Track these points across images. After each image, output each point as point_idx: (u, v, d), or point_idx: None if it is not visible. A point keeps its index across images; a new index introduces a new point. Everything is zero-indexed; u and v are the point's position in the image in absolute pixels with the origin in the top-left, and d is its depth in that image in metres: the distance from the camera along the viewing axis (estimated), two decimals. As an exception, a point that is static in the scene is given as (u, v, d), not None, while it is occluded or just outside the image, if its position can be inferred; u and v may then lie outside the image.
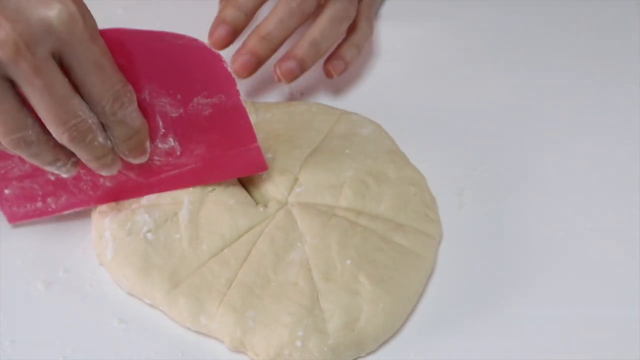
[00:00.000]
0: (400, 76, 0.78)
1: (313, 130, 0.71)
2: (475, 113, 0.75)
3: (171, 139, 0.62)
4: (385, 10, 0.84)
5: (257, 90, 0.77)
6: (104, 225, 0.65)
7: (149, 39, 0.58)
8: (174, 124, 0.61)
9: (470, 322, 0.63)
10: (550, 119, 0.75)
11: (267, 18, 0.72)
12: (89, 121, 0.56)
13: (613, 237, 0.67)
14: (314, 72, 0.76)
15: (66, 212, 0.67)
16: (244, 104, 0.61)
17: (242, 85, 0.72)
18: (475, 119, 0.75)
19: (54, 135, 0.56)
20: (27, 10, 0.53)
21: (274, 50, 0.72)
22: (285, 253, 0.63)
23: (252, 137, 0.63)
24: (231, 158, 0.64)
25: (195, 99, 0.61)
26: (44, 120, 0.55)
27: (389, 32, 0.82)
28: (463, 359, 0.61)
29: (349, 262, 0.62)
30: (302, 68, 0.72)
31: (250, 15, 0.72)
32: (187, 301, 0.61)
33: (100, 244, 0.65)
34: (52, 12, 0.53)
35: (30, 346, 0.61)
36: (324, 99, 0.76)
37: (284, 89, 0.77)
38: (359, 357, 0.61)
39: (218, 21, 0.72)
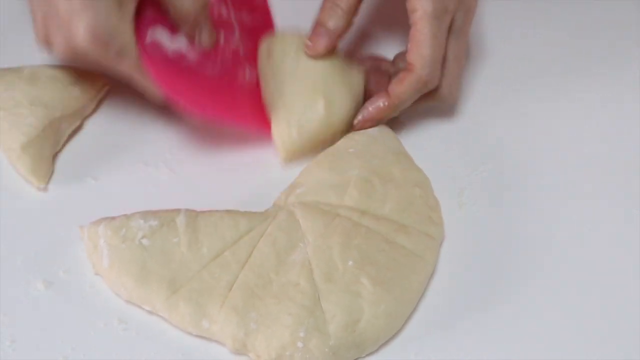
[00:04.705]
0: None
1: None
2: (476, 113, 0.75)
3: None
4: (388, 11, 0.84)
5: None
6: (98, 233, 0.64)
7: None
8: None
9: (471, 323, 0.63)
10: (551, 119, 0.75)
11: None
12: None
13: (613, 238, 0.68)
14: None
15: None
16: None
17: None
18: (476, 120, 0.75)
19: None
20: None
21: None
22: (286, 254, 0.63)
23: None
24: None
25: None
26: None
27: (389, 32, 0.82)
28: (463, 360, 0.62)
29: (350, 263, 0.62)
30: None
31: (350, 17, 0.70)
32: (188, 306, 0.61)
33: (95, 253, 0.64)
34: None
35: (30, 346, 0.61)
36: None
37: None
38: (360, 357, 0.61)
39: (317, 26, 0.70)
